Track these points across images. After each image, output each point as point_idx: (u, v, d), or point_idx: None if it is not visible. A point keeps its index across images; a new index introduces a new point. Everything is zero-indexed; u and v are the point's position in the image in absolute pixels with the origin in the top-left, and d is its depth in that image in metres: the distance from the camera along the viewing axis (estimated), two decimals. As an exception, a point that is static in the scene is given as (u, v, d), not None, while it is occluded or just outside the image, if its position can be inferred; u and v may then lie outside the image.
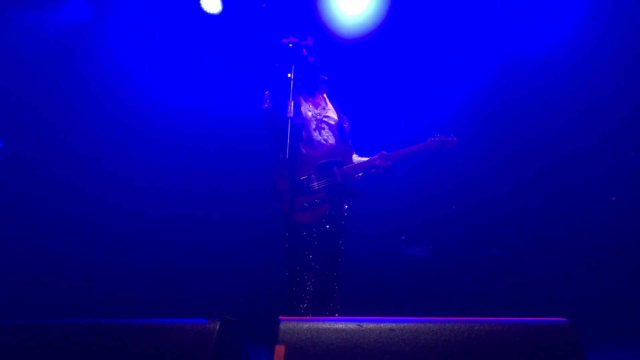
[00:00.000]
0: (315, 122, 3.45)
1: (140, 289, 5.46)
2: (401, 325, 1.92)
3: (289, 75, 3.08)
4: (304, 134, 3.38)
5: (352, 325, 1.94)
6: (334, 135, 3.50)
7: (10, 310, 4.96)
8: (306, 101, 3.48)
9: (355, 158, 3.54)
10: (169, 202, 5.84)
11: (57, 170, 5.82)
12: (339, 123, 3.56)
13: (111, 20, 5.70)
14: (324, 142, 3.44)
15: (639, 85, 5.58)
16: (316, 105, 3.53)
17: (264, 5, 3.21)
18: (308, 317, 2.28)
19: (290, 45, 3.18)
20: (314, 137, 3.42)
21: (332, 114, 3.57)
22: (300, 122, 3.34)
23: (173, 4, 5.64)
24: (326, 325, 1.95)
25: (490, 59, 5.80)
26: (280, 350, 1.88)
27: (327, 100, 3.65)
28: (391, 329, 1.90)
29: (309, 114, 3.44)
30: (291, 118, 2.81)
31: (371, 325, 1.93)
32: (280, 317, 2.02)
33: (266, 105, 3.43)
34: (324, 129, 3.48)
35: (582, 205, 5.68)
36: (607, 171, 5.70)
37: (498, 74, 5.82)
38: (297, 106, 3.34)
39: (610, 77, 5.59)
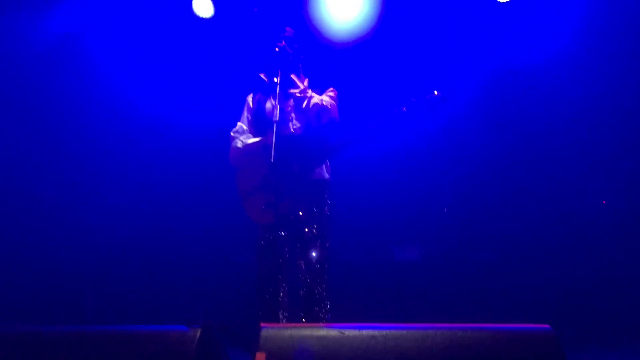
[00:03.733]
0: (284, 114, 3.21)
1: (123, 295, 5.37)
2: (383, 332, 1.90)
3: (275, 79, 3.04)
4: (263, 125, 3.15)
5: (333, 332, 1.92)
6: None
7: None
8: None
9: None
10: (153, 205, 5.77)
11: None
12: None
13: (102, 24, 5.65)
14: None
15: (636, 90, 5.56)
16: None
17: (255, 9, 3.15)
18: (290, 324, 2.26)
19: (277, 49, 3.14)
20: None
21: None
22: (263, 113, 3.17)
23: (165, 9, 5.61)
24: (307, 332, 1.94)
25: (486, 65, 5.78)
26: (260, 357, 1.86)
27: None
28: (373, 336, 1.89)
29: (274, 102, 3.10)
30: (276, 122, 2.78)
31: (353, 333, 1.91)
32: (262, 324, 2.00)
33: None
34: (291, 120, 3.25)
35: (575, 210, 5.68)
36: (601, 175, 5.70)
37: (495, 77, 5.80)
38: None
39: (608, 82, 5.55)
